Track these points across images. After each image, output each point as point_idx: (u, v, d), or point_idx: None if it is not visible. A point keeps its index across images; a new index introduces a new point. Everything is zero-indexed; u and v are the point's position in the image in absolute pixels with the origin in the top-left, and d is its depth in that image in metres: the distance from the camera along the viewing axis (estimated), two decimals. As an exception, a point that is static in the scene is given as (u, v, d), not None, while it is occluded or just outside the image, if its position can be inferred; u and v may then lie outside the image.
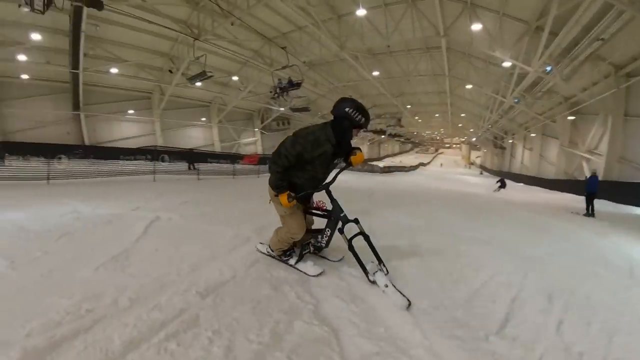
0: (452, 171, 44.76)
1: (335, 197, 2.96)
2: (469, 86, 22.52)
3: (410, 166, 41.80)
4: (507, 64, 15.91)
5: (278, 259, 3.23)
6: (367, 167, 29.01)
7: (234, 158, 23.57)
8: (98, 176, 10.66)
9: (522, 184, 25.70)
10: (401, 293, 2.57)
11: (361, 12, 14.58)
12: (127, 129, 23.22)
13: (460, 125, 42.41)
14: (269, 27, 18.05)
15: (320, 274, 2.96)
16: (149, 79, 21.44)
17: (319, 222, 3.16)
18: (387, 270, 2.90)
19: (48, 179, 9.15)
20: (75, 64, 16.97)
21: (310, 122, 32.43)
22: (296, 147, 2.62)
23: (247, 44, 19.56)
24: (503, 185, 19.40)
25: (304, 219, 3.01)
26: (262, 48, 20.38)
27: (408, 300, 2.49)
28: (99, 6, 11.01)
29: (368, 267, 2.83)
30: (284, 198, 2.71)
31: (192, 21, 16.72)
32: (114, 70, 18.97)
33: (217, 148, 27.77)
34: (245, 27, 16.54)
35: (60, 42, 16.16)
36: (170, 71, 20.55)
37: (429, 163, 58.74)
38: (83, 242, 3.68)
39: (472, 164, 61.37)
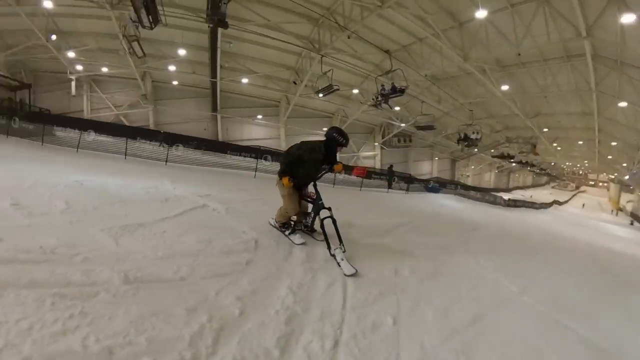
0: (593, 216, 35.57)
1: (319, 190, 4.37)
2: (622, 104, 17.57)
3: (542, 203, 34.80)
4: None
5: (278, 229, 4.67)
6: (488, 196, 26.17)
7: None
8: (203, 165, 12.61)
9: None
10: (351, 265, 3.72)
11: (481, 13, 13.25)
12: (256, 132, 26.57)
13: (609, 157, 33.23)
14: (388, 39, 18.17)
15: (302, 244, 4.31)
16: (277, 89, 24.00)
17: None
18: (344, 249, 3.99)
19: (166, 161, 11.43)
20: (213, 74, 20.53)
21: (432, 141, 31.83)
22: (299, 151, 4.19)
23: (367, 57, 20.02)
24: None
25: (297, 202, 4.47)
26: (382, 62, 20.30)
27: (355, 269, 3.65)
28: (225, 26, 13.21)
29: (332, 245, 4.01)
30: (285, 180, 4.14)
31: (313, 36, 18.23)
32: (244, 80, 21.94)
33: (337, 158, 28.93)
34: (363, 40, 17.14)
35: (202, 56, 19.84)
36: (295, 83, 22.67)
37: (565, 202, 47.64)
38: (124, 209, 4.69)
39: (620, 209, 46.85)
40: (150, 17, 11.89)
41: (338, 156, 4.59)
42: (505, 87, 20.01)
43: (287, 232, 4.55)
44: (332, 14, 16.18)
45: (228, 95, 24.21)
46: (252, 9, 16.42)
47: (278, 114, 26.78)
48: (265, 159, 16.21)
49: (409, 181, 22.04)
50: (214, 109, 24.18)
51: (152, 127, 22.78)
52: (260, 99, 25.54)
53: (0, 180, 5.53)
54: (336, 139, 4.21)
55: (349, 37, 16.79)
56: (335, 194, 12.76)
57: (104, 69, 20.36)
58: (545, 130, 27.58)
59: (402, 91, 17.36)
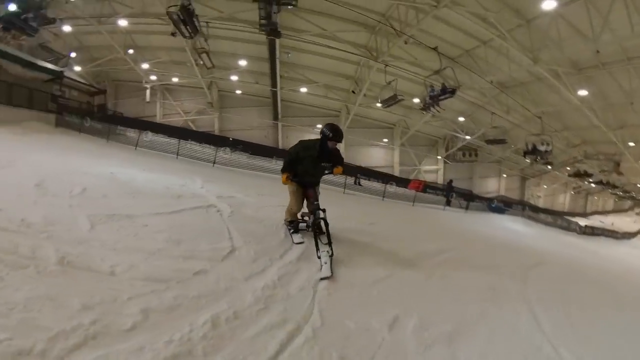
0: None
1: (316, 192, 4.51)
2: None
3: (625, 232, 29.30)
4: None
5: (286, 226, 4.84)
6: (560, 221, 23.17)
7: (388, 179, 22.61)
8: (244, 168, 12.98)
9: None
10: (331, 268, 3.72)
11: (549, 4, 11.95)
12: (316, 140, 26.84)
13: None
14: (448, 44, 17.15)
15: (299, 243, 4.41)
16: (336, 98, 24.03)
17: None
18: (332, 252, 3.94)
19: (214, 163, 12.06)
20: (273, 84, 21.22)
21: (500, 156, 29.00)
22: (296, 149, 4.45)
23: (428, 64, 18.71)
24: None
25: (301, 200, 4.60)
26: (445, 69, 18.90)
27: (330, 273, 3.65)
28: (278, 35, 13.72)
29: (320, 248, 3.96)
30: (284, 177, 4.39)
31: (370, 44, 18.03)
32: (303, 90, 22.39)
33: (397, 171, 28.18)
34: (423, 46, 16.46)
35: (263, 66, 20.62)
36: (353, 92, 22.49)
37: (655, 232, 39.43)
38: (129, 201, 4.90)
39: None
40: (188, 28, 13.17)
41: (342, 154, 4.69)
42: (583, 93, 17.38)
43: (291, 231, 4.68)
44: (387, 19, 15.80)
45: (289, 105, 24.80)
46: (307, 19, 16.73)
47: (339, 123, 26.73)
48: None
49: (469, 198, 20.14)
50: (275, 117, 24.93)
51: (216, 132, 24.28)
52: (320, 109, 25.62)
53: (45, 165, 6.24)
54: (325, 133, 4.26)
55: (405, 43, 16.25)
56: (382, 207, 12.33)
57: (175, 79, 22.26)
58: (632, 145, 23.03)
59: (452, 92, 16.19)
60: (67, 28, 16.22)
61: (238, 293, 2.88)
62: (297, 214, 4.75)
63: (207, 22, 15.59)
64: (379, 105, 21.89)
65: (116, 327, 2.09)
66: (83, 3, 14.57)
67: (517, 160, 28.60)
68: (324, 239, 4.05)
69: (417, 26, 15.09)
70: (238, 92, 23.81)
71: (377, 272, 4.04)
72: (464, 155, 28.87)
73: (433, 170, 29.69)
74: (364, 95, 21.87)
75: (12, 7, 11.92)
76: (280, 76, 20.80)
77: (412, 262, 4.85)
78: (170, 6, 12.73)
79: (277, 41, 17.69)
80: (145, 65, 20.67)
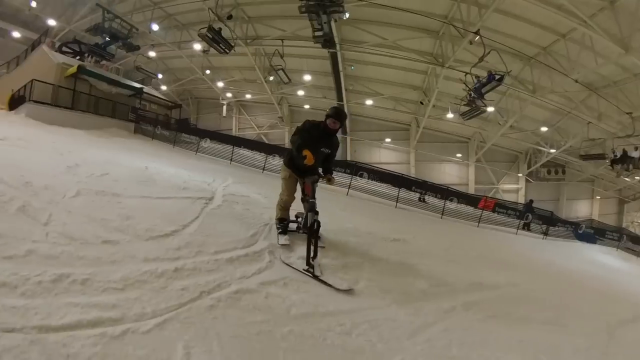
0: None
1: (315, 189, 3.99)
2: None
3: None
4: None
5: (276, 225, 4.31)
6: None
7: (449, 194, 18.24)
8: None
9: None
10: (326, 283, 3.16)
11: None
12: (384, 155, 26.42)
13: None
14: (523, 42, 15.86)
15: (284, 245, 3.89)
16: (405, 111, 23.60)
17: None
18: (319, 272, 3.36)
19: (263, 169, 12.84)
20: (339, 98, 21.64)
21: (592, 173, 24.91)
22: (305, 125, 4.06)
23: (501, 67, 17.90)
24: None
25: (294, 189, 4.25)
26: (522, 71, 17.66)
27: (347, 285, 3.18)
28: (332, 45, 14.25)
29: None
30: (309, 154, 3.76)
31: (436, 51, 17.51)
32: (369, 102, 22.38)
33: (472, 189, 25.95)
34: (489, 46, 15.24)
35: (329, 81, 21.31)
36: (421, 103, 21.83)
37: None
38: (133, 186, 5.37)
39: None
40: (221, 45, 15.11)
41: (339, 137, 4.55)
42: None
43: (279, 231, 4.18)
44: (450, 21, 15.20)
45: (358, 119, 25.06)
46: (367, 29, 17.01)
47: (409, 137, 26.01)
48: (361, 175, 16.29)
49: (549, 222, 16.96)
50: (344, 131, 25.32)
51: (286, 146, 25.56)
52: (389, 122, 25.49)
53: (93, 156, 7.32)
54: (327, 113, 4.03)
55: (470, 43, 15.03)
56: (438, 226, 11.39)
57: (248, 95, 24.20)
58: None
59: (500, 79, 14.15)
60: (152, 54, 18.97)
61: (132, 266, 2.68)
62: (288, 207, 4.31)
63: (282, 40, 16.94)
64: (450, 116, 21.11)
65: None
66: (164, 32, 16.87)
67: (613, 179, 24.16)
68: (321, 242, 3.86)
69: (480, 23, 14.04)
70: (306, 106, 24.79)
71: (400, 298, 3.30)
72: (548, 172, 25.69)
73: (513, 189, 26.71)
74: (433, 106, 21.11)
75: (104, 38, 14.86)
76: (346, 89, 21.26)
77: (450, 299, 3.61)
78: (201, 28, 14.56)
79: (339, 54, 18.41)
80: (220, 84, 22.96)
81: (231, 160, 14.00)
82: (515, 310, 3.86)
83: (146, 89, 19.39)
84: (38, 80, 13.84)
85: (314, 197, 3.90)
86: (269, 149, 15.79)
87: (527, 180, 26.42)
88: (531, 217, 17.22)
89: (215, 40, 14.82)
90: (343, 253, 4.22)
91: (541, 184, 25.99)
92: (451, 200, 16.30)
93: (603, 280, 8.24)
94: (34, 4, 18.34)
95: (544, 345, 3.10)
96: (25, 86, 13.91)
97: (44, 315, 1.82)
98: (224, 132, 24.04)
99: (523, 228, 16.32)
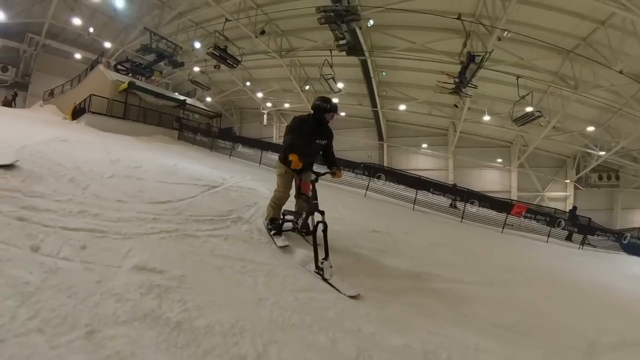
0: None
1: (316, 189, 3.96)
2: None
3: None
4: None
5: (267, 229, 4.27)
6: None
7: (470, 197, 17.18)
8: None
9: None
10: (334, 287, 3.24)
11: None
12: (422, 162, 26.58)
13: None
14: (560, 35, 15.39)
15: (284, 247, 3.98)
16: (441, 115, 23.76)
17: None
18: (331, 264, 3.50)
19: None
20: (373, 104, 22.51)
21: None
22: (296, 123, 4.02)
23: (539, 64, 17.25)
24: None
25: (289, 186, 4.23)
26: (562, 67, 17.19)
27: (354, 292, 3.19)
28: (356, 53, 15.40)
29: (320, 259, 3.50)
30: (295, 158, 3.67)
31: (466, 51, 17.55)
32: (402, 107, 22.96)
33: (514, 197, 24.75)
34: (527, 43, 15.62)
35: (364, 88, 22.23)
36: (456, 105, 21.79)
37: None
38: (158, 176, 6.74)
39: None
40: (228, 61, 17.67)
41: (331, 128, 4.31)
42: None
43: (272, 232, 4.16)
44: (478, 18, 15.25)
45: (394, 125, 25.76)
46: (395, 35, 17.80)
47: (447, 143, 25.97)
48: (379, 177, 17.04)
49: (585, 230, 15.62)
50: (380, 137, 26.08)
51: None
52: (426, 128, 25.68)
53: (135, 155, 8.80)
54: (320, 105, 3.96)
55: (499, 39, 15.32)
56: (459, 230, 11.43)
57: (286, 105, 25.83)
58: None
59: (480, 61, 13.96)
60: (196, 69, 21.27)
61: (127, 213, 3.90)
62: (282, 205, 4.30)
63: (331, 51, 17.68)
64: (487, 118, 21.26)
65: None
66: (205, 49, 18.91)
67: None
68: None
69: (505, 17, 14.26)
70: (342, 114, 25.78)
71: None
72: (600, 178, 23.61)
73: (560, 197, 25.04)
74: (469, 108, 21.20)
75: (151, 56, 17.22)
76: (379, 95, 22.04)
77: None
78: (209, 47, 16.98)
79: (369, 61, 19.36)
80: (260, 94, 24.91)
81: (260, 162, 15.45)
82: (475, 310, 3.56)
83: (189, 100, 21.73)
84: (96, 95, 16.44)
85: (315, 199, 3.82)
86: None
87: (575, 187, 24.86)
88: (564, 224, 16.22)
89: (222, 57, 17.27)
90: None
91: (591, 191, 24.19)
92: (472, 203, 15.92)
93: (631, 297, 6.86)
94: (91, 30, 21.69)
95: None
96: (85, 100, 16.50)
97: (66, 223, 3.05)
98: (265, 140, 25.76)
99: (566, 239, 15.31)
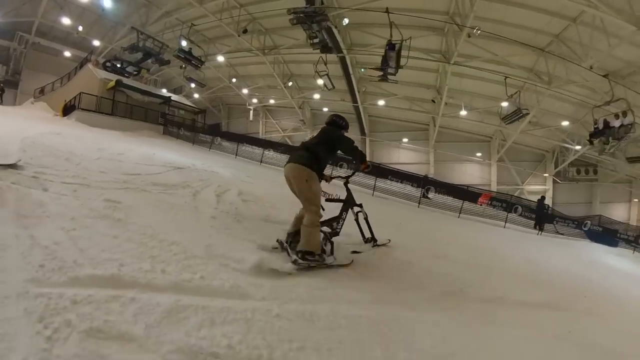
0: None
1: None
2: None
3: None
4: None
5: (316, 262, 3.48)
6: None
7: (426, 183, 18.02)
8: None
9: None
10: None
11: None
12: (403, 156, 27.92)
13: None
14: (532, 32, 16.30)
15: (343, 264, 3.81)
16: (421, 110, 24.87)
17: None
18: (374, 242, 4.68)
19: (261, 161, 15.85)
20: (354, 100, 23.77)
21: (628, 173, 23.48)
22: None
23: (513, 60, 18.06)
24: None
25: None
26: (537, 63, 18.20)
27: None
28: (329, 50, 16.63)
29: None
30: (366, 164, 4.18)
31: (444, 48, 18.84)
32: (381, 103, 24.26)
33: (494, 189, 25.65)
34: (501, 39, 16.42)
35: (344, 84, 23.31)
36: (433, 101, 23.22)
37: None
38: (132, 161, 8.25)
39: None
40: (193, 62, 19.84)
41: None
42: None
43: (330, 261, 3.69)
44: (452, 17, 16.37)
45: (375, 120, 27.13)
46: (373, 32, 18.86)
47: (428, 138, 27.16)
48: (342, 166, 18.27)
49: (543, 218, 16.31)
50: (362, 132, 27.29)
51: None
52: (407, 123, 26.91)
53: (118, 146, 10.07)
54: (341, 124, 4.18)
55: (469, 36, 16.17)
56: (413, 213, 12.89)
57: (272, 101, 27.20)
58: None
59: (396, 48, 14.80)
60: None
61: (107, 178, 5.68)
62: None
63: (347, 50, 19.13)
64: (463, 113, 22.48)
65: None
66: (193, 47, 20.22)
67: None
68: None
69: (473, 14, 15.17)
70: (325, 109, 27.05)
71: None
72: (578, 172, 24.51)
73: (539, 190, 25.64)
74: (445, 103, 22.30)
75: (138, 55, 18.62)
76: (358, 91, 23.24)
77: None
78: (174, 51, 18.96)
79: (348, 58, 20.63)
80: (245, 90, 26.25)
81: (236, 154, 16.95)
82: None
83: (175, 97, 23.23)
84: (85, 93, 17.92)
85: (352, 197, 4.52)
86: (264, 144, 19.15)
87: (554, 181, 25.88)
88: (520, 209, 17.13)
89: (187, 59, 19.37)
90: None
91: (570, 185, 25.24)
92: (428, 189, 16.78)
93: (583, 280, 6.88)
94: (80, 28, 22.83)
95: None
96: (75, 97, 17.92)
97: (64, 180, 4.45)
98: (252, 135, 27.08)
99: (535, 228, 15.95)
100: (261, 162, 16.39)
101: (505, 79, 17.10)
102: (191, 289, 2.36)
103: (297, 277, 3.20)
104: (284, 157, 17.38)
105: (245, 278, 2.80)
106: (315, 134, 4.00)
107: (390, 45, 14.95)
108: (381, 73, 16.23)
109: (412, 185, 17.63)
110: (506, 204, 17.66)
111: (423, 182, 17.59)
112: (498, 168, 26.75)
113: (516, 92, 16.97)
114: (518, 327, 3.27)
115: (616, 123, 14.27)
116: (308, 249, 3.45)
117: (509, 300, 4.05)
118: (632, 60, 15.50)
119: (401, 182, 17.89)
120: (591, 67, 15.43)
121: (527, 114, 17.34)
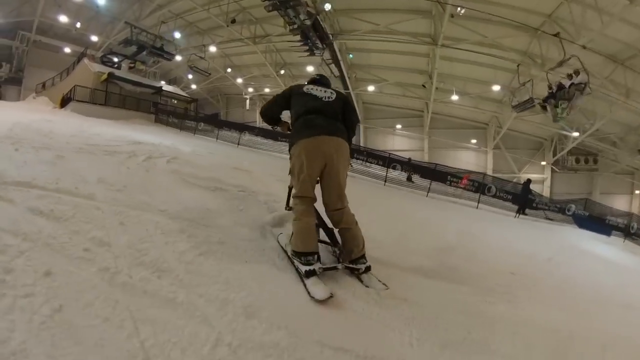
0: None
1: None
2: None
3: None
4: None
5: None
6: None
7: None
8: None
9: None
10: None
11: None
12: (398, 142, 28.37)
13: None
14: (526, 12, 16.21)
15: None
16: (415, 96, 25.25)
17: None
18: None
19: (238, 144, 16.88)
20: (345, 86, 24.33)
21: (629, 163, 22.59)
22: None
23: (505, 42, 18.11)
24: None
25: None
26: (530, 45, 18.04)
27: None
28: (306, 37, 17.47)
29: None
30: None
31: (431, 32, 19.26)
32: (371, 88, 25.00)
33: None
34: (488, 20, 16.52)
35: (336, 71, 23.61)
36: (424, 85, 23.56)
37: None
38: (106, 137, 9.43)
39: None
40: (165, 55, 21.65)
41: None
42: None
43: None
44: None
45: (369, 107, 27.78)
46: (360, 18, 19.64)
47: (422, 124, 27.41)
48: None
49: (521, 201, 15.79)
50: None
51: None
52: (401, 109, 27.35)
53: (104, 129, 11.11)
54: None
55: (452, 16, 16.54)
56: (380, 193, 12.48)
57: (267, 89, 28.33)
58: None
59: (314, 23, 16.84)
60: (178, 58, 23.87)
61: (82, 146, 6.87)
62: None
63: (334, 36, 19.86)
64: (455, 98, 22.76)
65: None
66: (187, 40, 21.65)
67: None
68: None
69: None
70: (313, 96, 28.20)
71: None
72: (577, 161, 23.79)
73: (538, 179, 24.86)
74: (437, 88, 22.64)
75: (133, 48, 20.00)
76: (348, 77, 23.88)
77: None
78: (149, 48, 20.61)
79: (337, 44, 21.36)
80: (240, 80, 27.51)
81: (217, 138, 18.15)
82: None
83: (167, 87, 24.59)
84: (79, 86, 19.54)
85: None
86: (241, 127, 20.27)
87: (553, 170, 25.31)
88: (494, 189, 16.72)
89: (159, 54, 21.15)
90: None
91: (569, 174, 24.64)
92: (394, 167, 16.82)
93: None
94: (79, 25, 24.40)
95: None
96: (71, 90, 19.43)
97: (47, 146, 5.39)
98: (249, 124, 28.13)
99: (517, 212, 15.13)
100: (238, 144, 17.29)
101: (517, 66, 16.96)
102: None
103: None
104: (259, 139, 18.81)
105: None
106: (321, 95, 2.98)
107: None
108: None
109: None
110: (478, 183, 16.95)
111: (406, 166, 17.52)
112: (494, 156, 26.58)
113: (529, 81, 16.20)
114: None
115: (567, 83, 13.91)
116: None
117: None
118: (630, 43, 15.36)
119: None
120: (584, 46, 15.22)
121: (539, 102, 16.24)
